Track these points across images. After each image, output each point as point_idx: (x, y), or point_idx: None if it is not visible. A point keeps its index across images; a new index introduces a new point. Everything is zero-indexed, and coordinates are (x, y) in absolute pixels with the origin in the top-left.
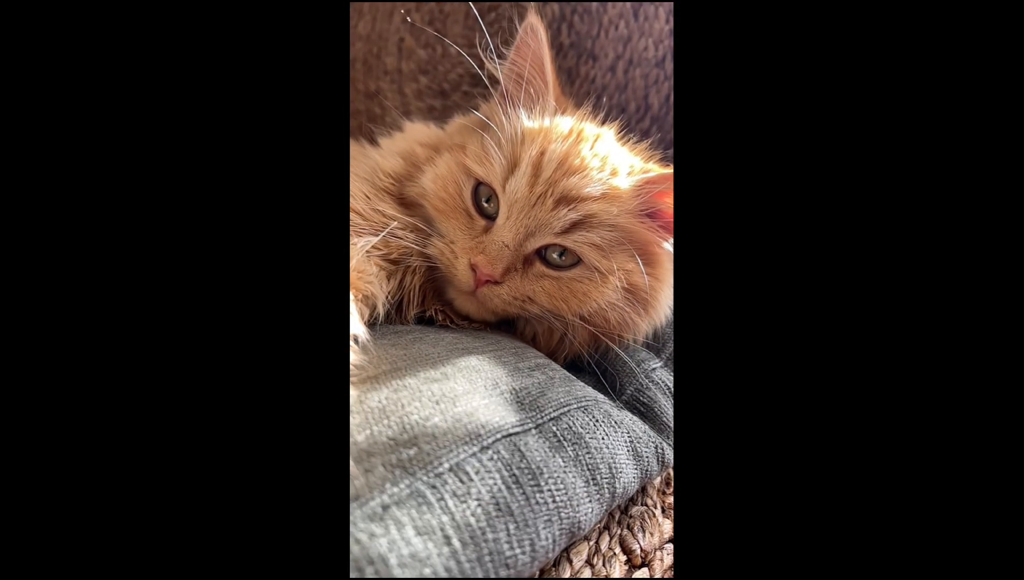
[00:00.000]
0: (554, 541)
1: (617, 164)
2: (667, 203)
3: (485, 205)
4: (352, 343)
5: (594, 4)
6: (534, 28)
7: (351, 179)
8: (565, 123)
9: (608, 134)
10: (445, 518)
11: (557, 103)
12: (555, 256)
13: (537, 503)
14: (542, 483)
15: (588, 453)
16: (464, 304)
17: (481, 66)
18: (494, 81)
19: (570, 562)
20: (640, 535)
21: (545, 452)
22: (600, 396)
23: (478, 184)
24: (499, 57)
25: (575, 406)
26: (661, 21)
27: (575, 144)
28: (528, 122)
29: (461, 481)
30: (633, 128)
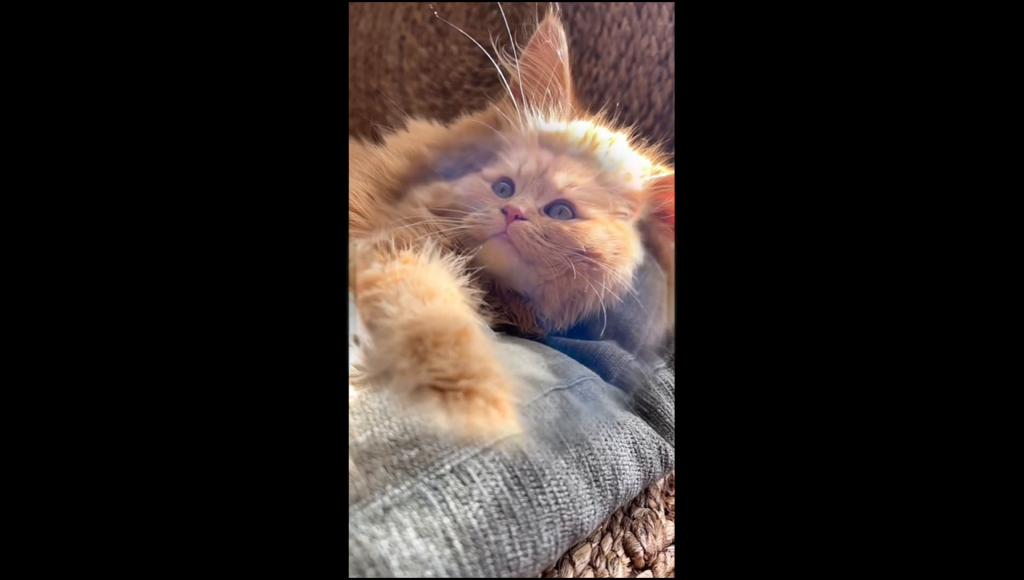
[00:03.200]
0: (556, 543)
1: (631, 168)
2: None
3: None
4: (353, 344)
5: (596, 2)
6: (553, 29)
7: (354, 178)
8: (581, 127)
9: (621, 138)
10: (447, 520)
11: (572, 106)
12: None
13: (539, 505)
14: (544, 485)
15: (591, 454)
16: (491, 251)
17: (483, 64)
18: (507, 78)
19: (573, 564)
20: (643, 537)
21: (547, 453)
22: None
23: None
24: (512, 56)
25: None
26: (664, 19)
27: (591, 148)
28: (544, 125)
29: (463, 483)
30: (637, 127)
